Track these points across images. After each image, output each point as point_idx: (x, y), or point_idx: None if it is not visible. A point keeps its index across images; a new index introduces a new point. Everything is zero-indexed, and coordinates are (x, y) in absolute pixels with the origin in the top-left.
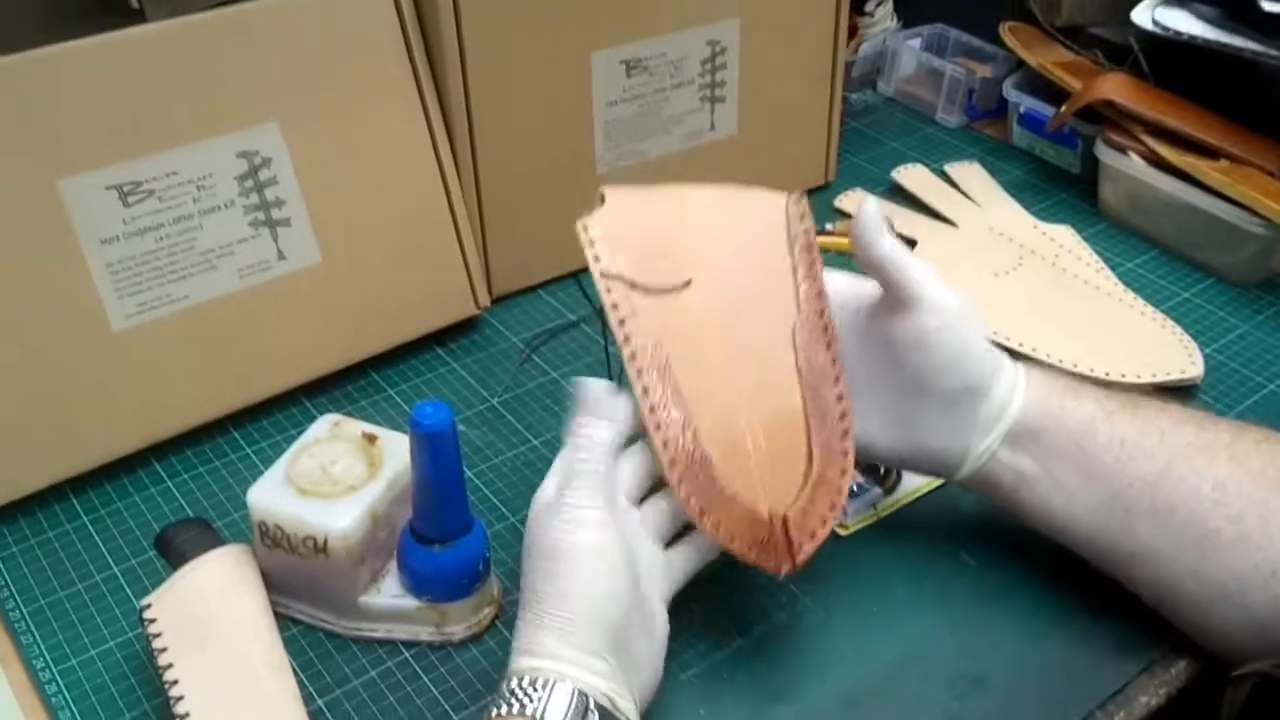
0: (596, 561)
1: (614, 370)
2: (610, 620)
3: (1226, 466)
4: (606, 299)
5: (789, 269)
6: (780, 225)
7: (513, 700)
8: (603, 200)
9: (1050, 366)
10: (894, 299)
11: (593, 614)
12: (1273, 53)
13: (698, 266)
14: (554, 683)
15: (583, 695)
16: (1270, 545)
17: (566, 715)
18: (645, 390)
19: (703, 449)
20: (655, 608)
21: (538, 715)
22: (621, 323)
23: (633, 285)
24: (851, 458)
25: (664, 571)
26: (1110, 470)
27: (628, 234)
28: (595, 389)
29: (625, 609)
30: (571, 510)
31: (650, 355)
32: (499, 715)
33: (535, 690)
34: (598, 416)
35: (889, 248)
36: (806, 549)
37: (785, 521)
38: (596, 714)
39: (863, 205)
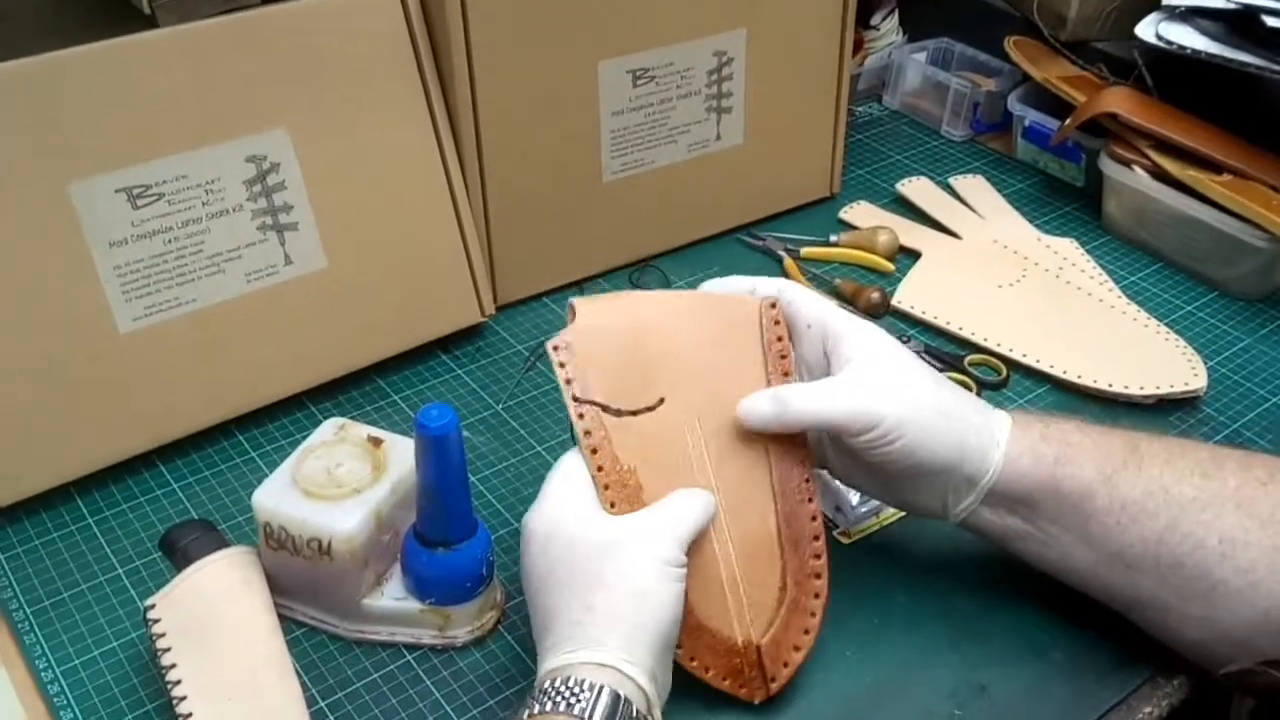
0: (678, 592)
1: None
2: (669, 641)
3: (1234, 516)
4: (579, 425)
5: (763, 381)
6: (754, 334)
7: (558, 699)
8: (573, 313)
9: (1041, 428)
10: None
11: (656, 635)
12: (1275, 67)
13: (671, 382)
14: (601, 686)
15: (628, 702)
16: None
17: (616, 718)
18: None
19: None
20: None
21: (585, 715)
22: (594, 451)
23: (605, 409)
24: (825, 581)
25: None
26: (1110, 532)
27: (600, 350)
28: None
29: (677, 633)
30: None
31: (622, 485)
32: (541, 714)
33: (583, 690)
34: None
35: (812, 409)
36: (781, 677)
37: (759, 651)
38: None
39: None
